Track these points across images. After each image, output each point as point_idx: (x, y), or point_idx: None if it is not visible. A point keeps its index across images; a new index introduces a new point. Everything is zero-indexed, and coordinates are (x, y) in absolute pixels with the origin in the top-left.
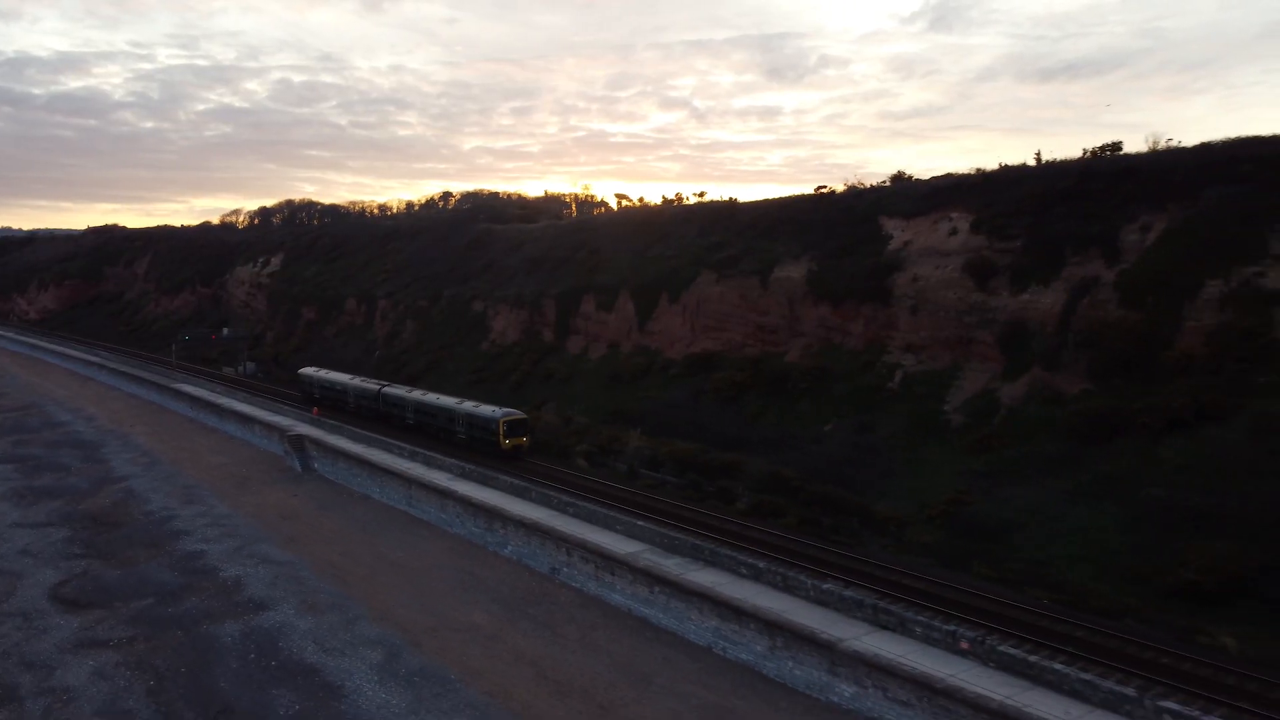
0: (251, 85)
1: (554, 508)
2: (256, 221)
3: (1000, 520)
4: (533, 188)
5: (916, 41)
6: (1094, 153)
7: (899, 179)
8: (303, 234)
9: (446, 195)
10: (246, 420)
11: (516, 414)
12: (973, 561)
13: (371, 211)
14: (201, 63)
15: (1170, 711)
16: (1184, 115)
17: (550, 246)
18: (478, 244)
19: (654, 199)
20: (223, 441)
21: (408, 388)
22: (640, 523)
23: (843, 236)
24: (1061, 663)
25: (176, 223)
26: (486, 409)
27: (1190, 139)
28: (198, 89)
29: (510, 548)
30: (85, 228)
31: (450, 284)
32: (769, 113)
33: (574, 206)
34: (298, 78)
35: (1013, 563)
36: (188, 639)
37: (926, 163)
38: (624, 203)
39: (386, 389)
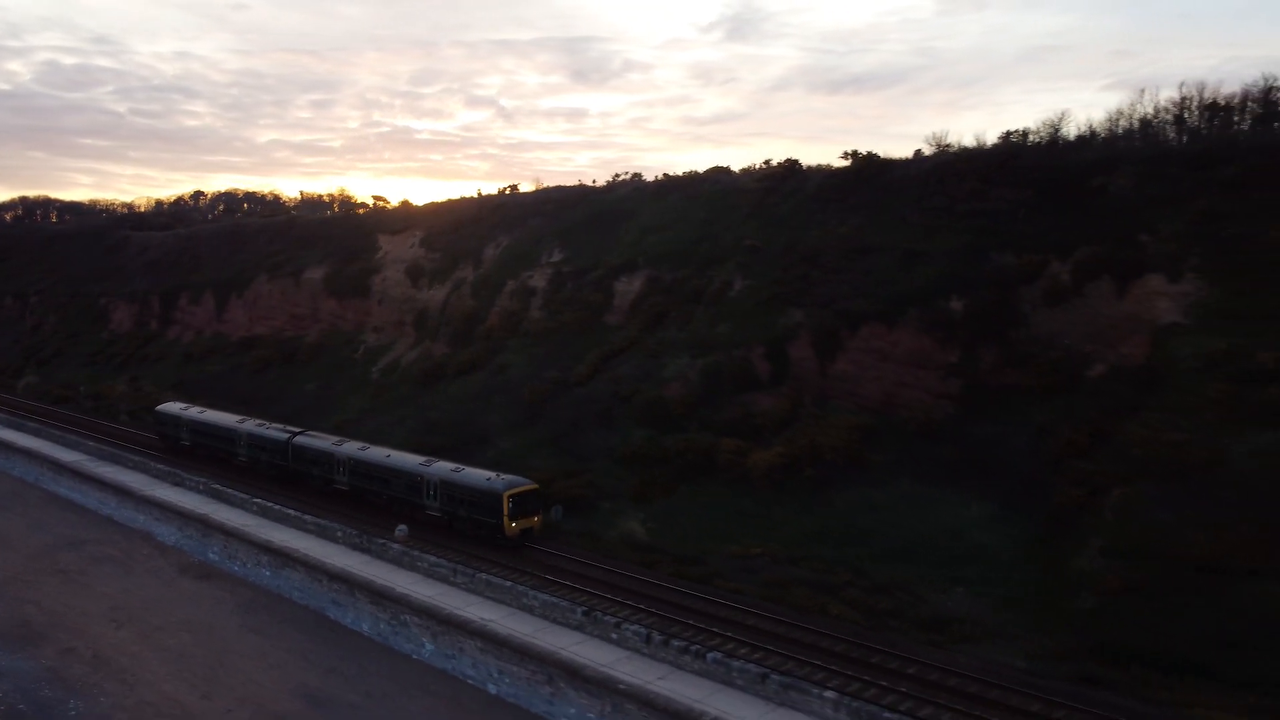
0: (14, 66)
1: (50, 439)
2: None
3: (353, 433)
4: (333, 184)
5: (715, 50)
6: (501, 191)
7: (404, 204)
8: None
9: (198, 195)
10: None
11: (524, 483)
12: None
13: (118, 209)
14: None
15: (259, 503)
16: (958, 129)
17: (166, 251)
18: (115, 248)
19: (458, 196)
20: None
21: (336, 438)
22: (92, 443)
23: (352, 247)
24: (239, 491)
25: None
26: (478, 476)
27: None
28: None
29: (17, 470)
30: None
31: (88, 282)
32: (576, 114)
33: (335, 205)
34: (68, 60)
35: None
36: None
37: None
38: (380, 203)
39: (300, 438)
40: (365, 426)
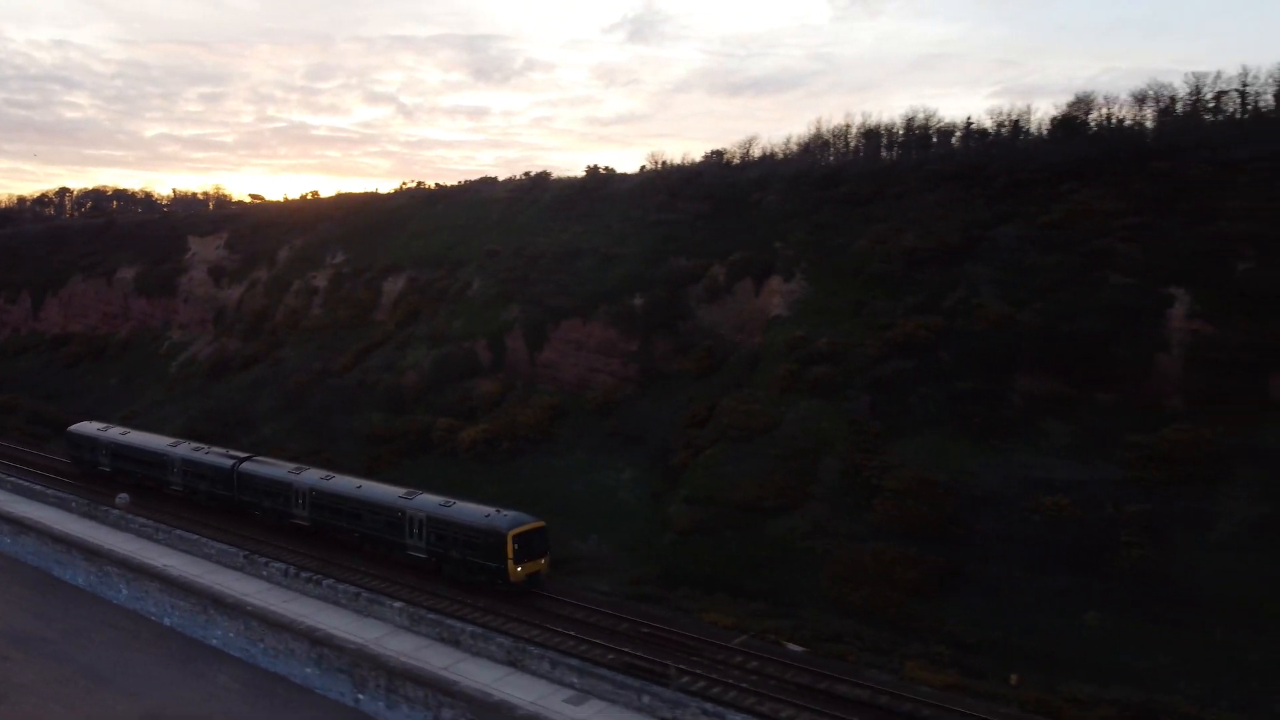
0: None
1: None
2: None
3: (142, 421)
4: (226, 180)
5: (618, 51)
6: (303, 196)
7: (215, 207)
8: None
9: (64, 191)
10: None
11: (530, 520)
12: None
13: None
14: None
15: (12, 482)
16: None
17: None
18: None
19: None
20: None
21: (294, 465)
22: None
23: (163, 248)
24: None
25: None
26: (475, 512)
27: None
28: None
29: None
30: None
31: None
32: (478, 112)
33: (210, 204)
34: None
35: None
36: None
37: (628, 166)
38: (257, 201)
39: (248, 464)
40: (154, 415)
